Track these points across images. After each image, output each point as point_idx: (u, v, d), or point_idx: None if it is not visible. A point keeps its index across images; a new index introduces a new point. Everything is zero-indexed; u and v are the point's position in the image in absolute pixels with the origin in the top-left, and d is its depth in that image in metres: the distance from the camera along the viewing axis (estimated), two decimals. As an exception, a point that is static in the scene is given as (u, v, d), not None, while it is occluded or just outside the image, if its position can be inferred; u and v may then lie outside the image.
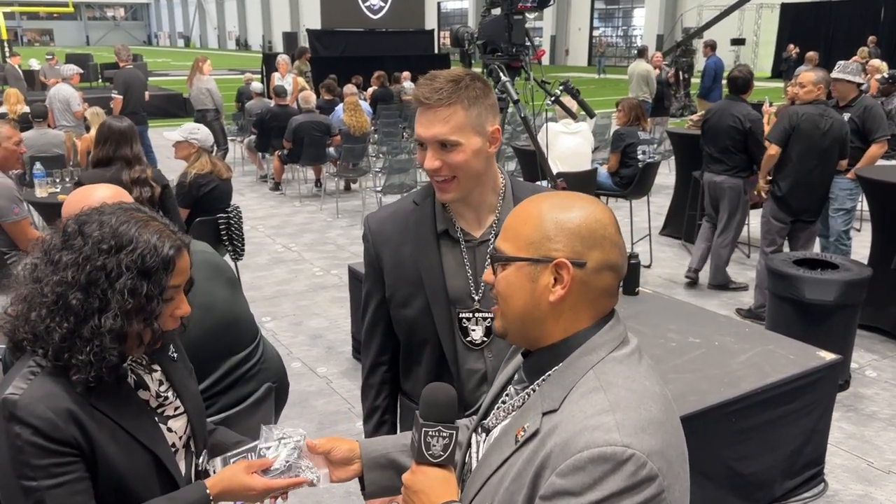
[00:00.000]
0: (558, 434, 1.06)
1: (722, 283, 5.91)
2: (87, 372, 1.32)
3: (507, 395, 1.29)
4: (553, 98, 4.00)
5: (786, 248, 5.36)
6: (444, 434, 1.25)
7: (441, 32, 24.46)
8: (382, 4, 19.94)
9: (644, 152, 6.36)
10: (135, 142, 3.87)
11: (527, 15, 4.01)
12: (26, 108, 9.37)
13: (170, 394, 1.55)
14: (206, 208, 4.61)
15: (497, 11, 4.06)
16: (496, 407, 1.30)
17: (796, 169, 5.08)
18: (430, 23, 25.51)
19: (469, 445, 1.33)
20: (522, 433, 1.13)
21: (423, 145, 1.63)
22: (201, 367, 2.19)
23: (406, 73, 14.22)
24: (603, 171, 6.48)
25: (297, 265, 6.90)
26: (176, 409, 1.56)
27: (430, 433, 1.25)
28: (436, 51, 20.64)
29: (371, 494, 1.51)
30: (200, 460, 1.59)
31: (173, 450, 1.52)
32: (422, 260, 1.72)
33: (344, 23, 19.20)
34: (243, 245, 4.75)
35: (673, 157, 8.27)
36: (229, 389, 2.27)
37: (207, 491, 1.44)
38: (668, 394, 1.16)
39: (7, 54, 19.39)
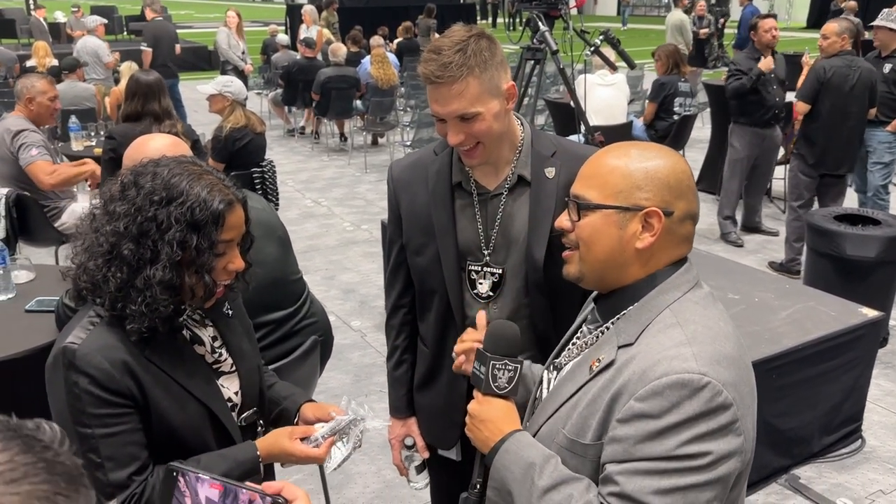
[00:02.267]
0: (636, 363, 1.12)
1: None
2: (141, 322, 1.34)
3: (579, 334, 1.34)
4: (593, 48, 3.91)
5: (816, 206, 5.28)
6: (510, 367, 1.30)
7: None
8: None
9: (681, 105, 6.22)
10: (163, 95, 3.86)
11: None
12: (55, 62, 9.37)
13: (223, 351, 1.57)
14: (241, 162, 4.61)
15: (535, -41, 3.96)
16: (568, 347, 1.35)
17: (827, 124, 5.01)
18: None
19: (541, 382, 1.39)
20: (597, 364, 1.19)
21: (442, 119, 1.60)
22: (251, 320, 2.22)
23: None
24: (638, 123, 6.36)
25: (327, 220, 6.91)
26: (231, 365, 1.58)
27: (496, 366, 1.30)
28: (461, 0, 20.25)
29: None
30: (246, 415, 1.61)
31: (230, 404, 1.54)
32: (435, 210, 1.74)
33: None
34: (278, 199, 4.76)
35: (708, 110, 8.09)
36: (278, 343, 2.30)
37: (257, 452, 1.48)
38: (741, 337, 1.20)
39: (32, 7, 19.33)
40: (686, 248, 1.24)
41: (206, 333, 1.55)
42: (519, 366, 1.31)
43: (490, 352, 1.31)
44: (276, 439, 1.51)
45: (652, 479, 1.05)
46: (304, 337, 2.35)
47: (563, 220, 1.26)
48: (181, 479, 0.90)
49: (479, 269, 1.74)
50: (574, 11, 3.99)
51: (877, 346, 3.46)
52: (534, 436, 1.27)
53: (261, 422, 1.66)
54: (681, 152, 6.64)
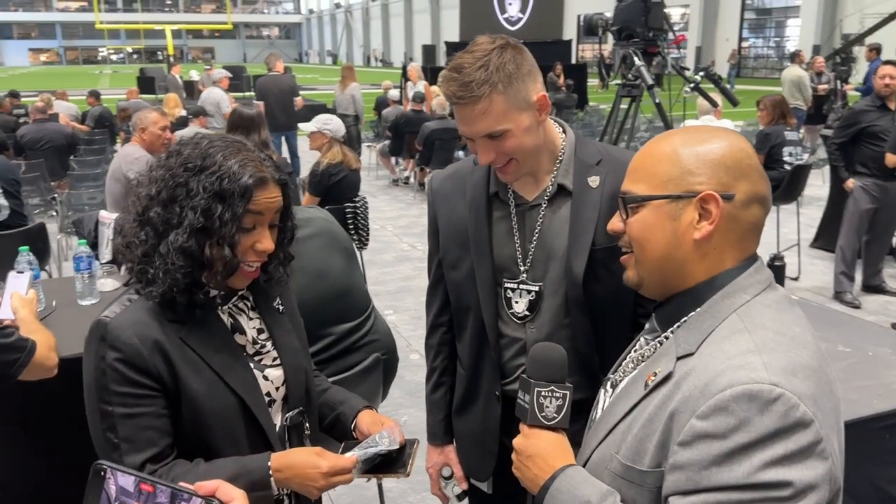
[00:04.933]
0: (696, 376, 0.96)
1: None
2: (158, 287, 1.31)
3: (637, 346, 1.19)
4: (693, 85, 3.77)
5: None
6: (558, 394, 1.17)
7: (580, 45, 24.09)
8: (521, 16, 19.97)
9: (791, 154, 5.88)
10: (262, 128, 3.99)
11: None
12: (183, 112, 10.06)
13: (269, 343, 1.52)
14: (335, 197, 4.71)
15: (634, -4, 3.89)
16: (625, 361, 1.20)
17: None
18: (569, 33, 25.17)
19: (597, 403, 1.24)
20: (653, 378, 1.04)
21: (472, 138, 1.51)
22: (311, 332, 2.18)
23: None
24: (746, 174, 6.06)
25: (421, 263, 6.92)
26: (274, 359, 1.52)
27: (542, 393, 1.17)
28: (573, 60, 20.38)
29: None
30: (290, 414, 1.53)
31: (267, 399, 1.48)
32: (472, 222, 1.63)
33: (481, 34, 19.27)
34: (368, 234, 4.81)
35: (827, 167, 7.64)
36: (339, 357, 2.25)
37: (269, 463, 1.35)
38: (823, 347, 1.02)
39: (170, 66, 21.03)
40: (755, 240, 1.08)
41: (251, 324, 1.50)
42: (568, 392, 1.18)
43: (534, 378, 1.19)
44: (298, 452, 1.41)
45: None
46: (366, 353, 2.29)
47: (615, 222, 1.15)
48: (110, 476, 0.83)
49: (515, 286, 1.62)
50: (675, 48, 3.87)
51: None
52: (585, 463, 1.13)
53: (307, 424, 1.59)
54: (794, 207, 6.29)
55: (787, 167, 5.88)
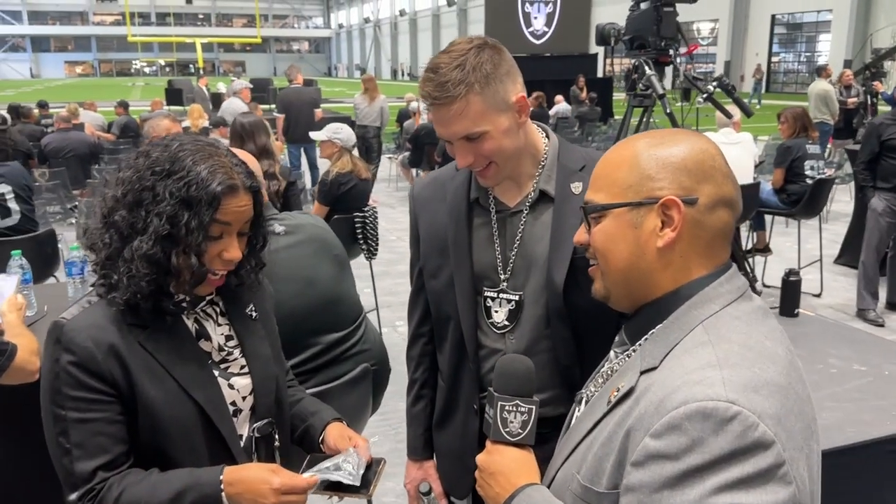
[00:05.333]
0: (654, 391, 0.90)
1: None
2: (122, 294, 1.27)
3: (607, 360, 1.14)
4: (706, 95, 3.69)
5: None
6: (523, 409, 1.13)
7: (607, 59, 24.05)
8: (546, 30, 19.91)
9: (813, 167, 5.75)
10: (259, 135, 3.95)
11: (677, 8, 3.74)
12: (207, 123, 10.16)
13: (237, 351, 1.47)
14: (344, 206, 4.67)
15: (646, 5, 3.83)
16: (595, 376, 1.15)
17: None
18: (596, 46, 25.01)
19: (569, 418, 1.19)
20: (616, 393, 0.98)
21: (450, 141, 1.46)
22: (299, 341, 2.14)
23: (559, 97, 14.10)
24: (767, 186, 5.93)
25: (437, 275, 6.86)
26: (241, 367, 1.47)
27: (506, 408, 1.13)
28: (599, 74, 20.26)
29: None
30: (258, 425, 1.49)
31: (233, 408, 1.43)
32: (451, 228, 1.57)
33: (507, 48, 19.35)
34: (377, 244, 4.77)
35: (853, 182, 7.47)
36: (327, 366, 2.21)
37: (221, 476, 1.29)
38: (799, 364, 0.95)
39: (198, 78, 21.34)
40: (725, 247, 1.02)
41: (219, 331, 1.46)
42: (534, 406, 1.13)
43: (499, 391, 1.14)
44: (251, 466, 1.35)
45: None
46: (355, 364, 2.23)
47: (581, 233, 1.10)
48: None
49: (495, 295, 1.56)
50: (688, 57, 3.80)
51: None
52: (550, 483, 1.08)
53: (277, 435, 1.54)
54: (816, 221, 6.14)
55: (809, 181, 5.75)
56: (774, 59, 36.31)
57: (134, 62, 75.67)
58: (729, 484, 0.81)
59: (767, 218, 6.29)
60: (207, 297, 1.45)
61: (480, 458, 1.15)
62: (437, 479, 1.75)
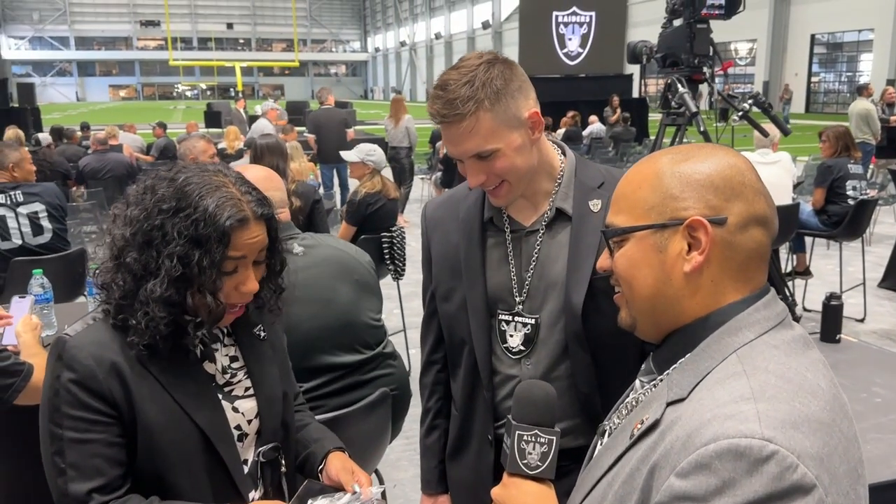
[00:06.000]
0: (681, 425, 0.82)
1: None
2: (141, 337, 1.24)
3: (632, 389, 1.05)
4: (741, 113, 3.59)
5: None
6: (543, 440, 1.05)
7: (642, 79, 23.87)
8: (581, 51, 19.86)
9: (855, 188, 5.57)
10: (271, 157, 3.92)
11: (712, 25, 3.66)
12: (242, 145, 10.30)
13: (241, 373, 1.43)
14: (372, 226, 4.65)
15: (679, 22, 3.75)
16: (619, 406, 1.06)
17: None
18: (631, 67, 24.91)
19: (590, 451, 1.11)
20: (640, 426, 0.90)
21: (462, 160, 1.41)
22: (315, 362, 2.10)
23: (594, 117, 14.04)
24: (807, 207, 5.76)
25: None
26: (246, 389, 1.43)
27: (525, 438, 1.05)
28: (634, 94, 20.13)
29: None
30: (263, 449, 1.44)
31: (237, 432, 1.38)
32: (464, 249, 1.51)
33: (541, 69, 19.28)
34: (404, 264, 4.73)
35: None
36: (345, 391, 2.15)
37: None
38: (845, 399, 0.86)
39: (236, 101, 21.73)
40: (763, 269, 0.93)
41: (224, 352, 1.41)
42: (555, 437, 1.06)
43: (518, 420, 1.07)
44: None
45: None
46: (374, 388, 2.17)
47: (604, 259, 1.03)
48: None
49: (510, 318, 1.49)
50: (722, 74, 3.71)
51: None
52: None
53: (283, 461, 1.49)
54: (859, 243, 5.94)
55: (851, 201, 5.58)
56: (814, 78, 35.75)
57: (176, 86, 77.43)
58: None
59: (808, 240, 6.11)
60: None
61: (496, 492, 1.09)
62: None
